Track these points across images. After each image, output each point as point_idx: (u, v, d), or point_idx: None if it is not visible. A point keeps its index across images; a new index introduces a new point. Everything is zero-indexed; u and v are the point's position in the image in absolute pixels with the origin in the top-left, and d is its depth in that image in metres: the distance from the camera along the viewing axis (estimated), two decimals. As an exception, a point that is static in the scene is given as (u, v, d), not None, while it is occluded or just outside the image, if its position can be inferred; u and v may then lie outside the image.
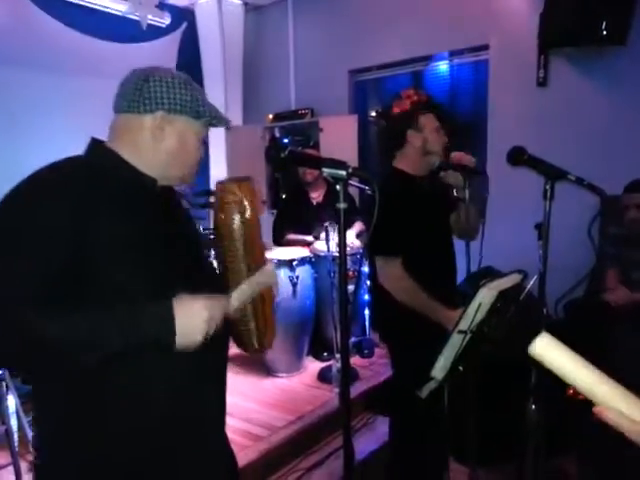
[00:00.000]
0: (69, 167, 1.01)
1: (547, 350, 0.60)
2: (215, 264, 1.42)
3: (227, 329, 1.15)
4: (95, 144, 1.09)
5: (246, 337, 1.36)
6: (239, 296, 1.15)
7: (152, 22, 4.37)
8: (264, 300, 1.34)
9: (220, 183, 1.33)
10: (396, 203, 1.77)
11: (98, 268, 0.94)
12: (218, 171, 4.75)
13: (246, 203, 1.28)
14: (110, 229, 0.96)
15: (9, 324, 0.86)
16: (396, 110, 3.15)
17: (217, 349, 1.14)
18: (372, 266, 1.98)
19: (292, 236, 3.55)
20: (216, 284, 1.20)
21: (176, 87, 1.07)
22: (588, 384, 0.57)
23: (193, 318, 0.97)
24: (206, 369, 1.12)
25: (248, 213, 1.29)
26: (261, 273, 1.24)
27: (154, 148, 1.07)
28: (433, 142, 1.91)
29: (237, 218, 1.28)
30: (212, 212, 1.37)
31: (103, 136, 1.11)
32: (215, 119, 1.13)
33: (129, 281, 0.97)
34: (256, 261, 1.30)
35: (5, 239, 0.90)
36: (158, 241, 1.05)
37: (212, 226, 1.39)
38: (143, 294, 0.98)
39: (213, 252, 1.33)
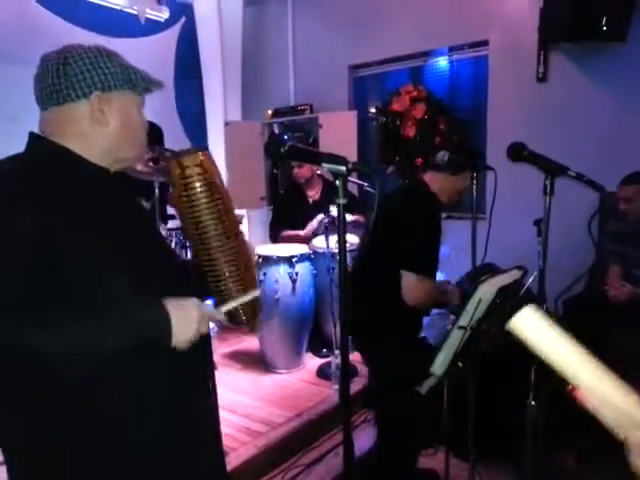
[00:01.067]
0: (16, 169, 0.92)
1: (527, 324, 0.55)
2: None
3: (208, 339, 1.15)
4: (37, 140, 0.99)
5: (235, 313, 1.24)
6: (229, 306, 1.13)
7: (151, 17, 4.35)
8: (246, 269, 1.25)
9: (174, 156, 1.14)
10: (433, 224, 1.92)
11: (70, 271, 0.89)
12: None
13: (208, 167, 1.13)
14: (76, 231, 0.90)
15: None
16: (396, 107, 3.18)
17: (200, 356, 1.13)
18: (363, 266, 2.01)
19: (287, 232, 3.54)
20: (187, 274, 1.18)
21: (100, 61, 0.98)
22: (571, 364, 0.53)
23: (187, 318, 0.96)
24: (190, 373, 1.10)
25: (212, 178, 1.13)
26: (247, 293, 1.17)
27: (99, 134, 0.99)
28: (451, 195, 2.01)
29: (204, 194, 1.11)
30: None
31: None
32: (151, 83, 1.05)
33: (105, 280, 0.93)
34: (234, 230, 1.17)
35: None
36: (126, 235, 1.01)
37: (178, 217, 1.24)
38: (124, 291, 0.95)
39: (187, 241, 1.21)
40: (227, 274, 1.15)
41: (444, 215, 3.63)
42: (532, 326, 0.54)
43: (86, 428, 0.96)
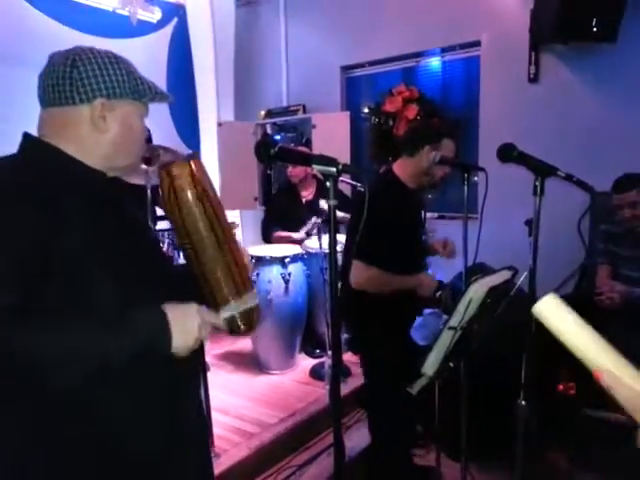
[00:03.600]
0: (8, 169, 0.91)
1: (551, 312, 0.58)
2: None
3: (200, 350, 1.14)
4: (32, 141, 0.97)
5: (233, 323, 1.19)
6: (226, 313, 1.12)
7: (142, 18, 4.33)
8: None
9: (163, 166, 1.09)
10: (386, 214, 1.86)
11: (60, 272, 0.87)
12: (209, 168, 4.72)
13: (198, 176, 1.08)
14: (66, 232, 0.88)
15: None
16: (389, 107, 3.19)
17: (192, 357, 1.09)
18: (345, 263, 2.04)
19: (280, 233, 3.54)
20: (182, 280, 1.14)
21: (109, 67, 0.97)
22: (591, 349, 0.56)
23: (187, 324, 0.94)
24: (181, 374, 1.08)
25: (203, 187, 1.08)
26: (245, 302, 1.15)
27: (98, 140, 0.98)
28: (434, 171, 1.98)
29: (195, 204, 1.07)
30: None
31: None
32: (157, 95, 1.04)
33: (95, 282, 0.92)
34: (232, 254, 1.14)
35: None
36: (121, 238, 1.00)
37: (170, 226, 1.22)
38: (116, 296, 0.94)
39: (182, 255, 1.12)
40: (222, 282, 1.11)
41: (435, 215, 3.65)
42: (555, 313, 0.58)
43: (75, 426, 0.95)
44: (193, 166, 1.06)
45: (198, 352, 1.14)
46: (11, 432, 0.94)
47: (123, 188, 1.12)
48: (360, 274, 1.92)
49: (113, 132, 0.99)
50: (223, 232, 1.11)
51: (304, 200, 3.57)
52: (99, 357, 0.85)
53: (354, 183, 3.43)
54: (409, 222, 2.04)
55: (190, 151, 4.69)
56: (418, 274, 2.02)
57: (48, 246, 0.85)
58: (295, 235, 3.48)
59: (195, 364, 1.19)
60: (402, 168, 2.03)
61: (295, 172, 3.48)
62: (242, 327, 1.16)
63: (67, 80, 0.94)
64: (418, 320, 2.25)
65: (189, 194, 1.05)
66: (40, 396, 0.92)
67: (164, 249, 3.01)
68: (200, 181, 1.07)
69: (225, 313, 1.11)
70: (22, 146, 0.98)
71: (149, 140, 3.54)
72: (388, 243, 1.89)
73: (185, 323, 0.93)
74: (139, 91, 1.00)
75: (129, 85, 0.99)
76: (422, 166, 1.97)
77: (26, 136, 0.98)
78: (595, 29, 2.86)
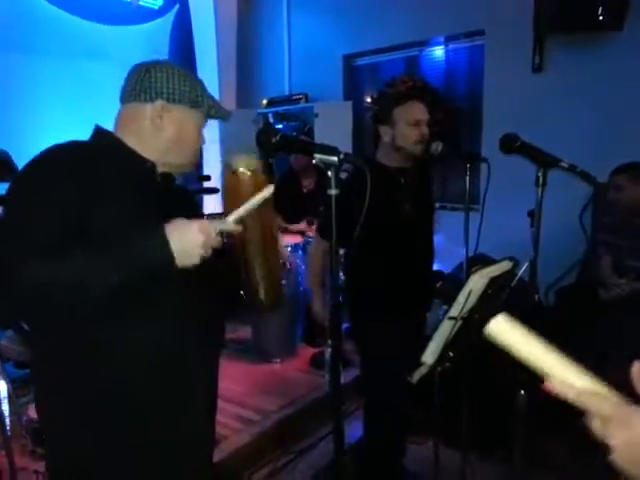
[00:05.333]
0: (75, 149, 1.09)
1: (502, 331, 0.62)
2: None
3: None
4: (99, 132, 1.15)
5: (253, 288, 1.30)
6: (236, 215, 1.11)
7: (143, 4, 4.30)
8: (266, 251, 1.33)
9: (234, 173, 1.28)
10: (348, 195, 1.74)
11: (94, 236, 0.99)
12: (211, 155, 4.71)
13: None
14: (110, 207, 1.02)
15: (10, 275, 0.92)
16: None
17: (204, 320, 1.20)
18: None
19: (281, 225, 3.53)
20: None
21: (175, 78, 1.12)
22: (542, 362, 0.60)
23: (188, 239, 0.98)
24: (191, 338, 1.16)
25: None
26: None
27: (154, 135, 1.13)
28: (404, 137, 1.86)
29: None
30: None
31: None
32: (213, 109, 1.18)
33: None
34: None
35: (21, 208, 0.99)
36: (152, 217, 1.06)
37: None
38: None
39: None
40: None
41: (437, 205, 3.62)
42: (505, 332, 0.62)
43: (88, 387, 1.06)
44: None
45: (214, 319, 1.27)
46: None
47: (171, 183, 1.22)
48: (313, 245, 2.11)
49: (168, 131, 1.13)
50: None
51: (305, 190, 3.56)
52: (102, 277, 0.94)
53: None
54: (382, 205, 1.75)
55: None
56: (319, 303, 2.10)
57: (82, 214, 0.99)
58: (292, 228, 3.47)
59: (209, 331, 1.26)
60: (380, 155, 1.96)
61: (299, 160, 3.47)
62: (263, 299, 1.28)
63: (139, 82, 1.11)
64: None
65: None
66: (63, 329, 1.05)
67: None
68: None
69: (235, 214, 1.10)
70: (92, 135, 1.15)
71: None
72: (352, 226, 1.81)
73: (186, 233, 0.98)
74: (197, 102, 1.15)
75: (189, 95, 1.14)
76: (388, 146, 1.90)
77: (95, 127, 1.15)
78: (601, 18, 2.83)
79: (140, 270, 0.97)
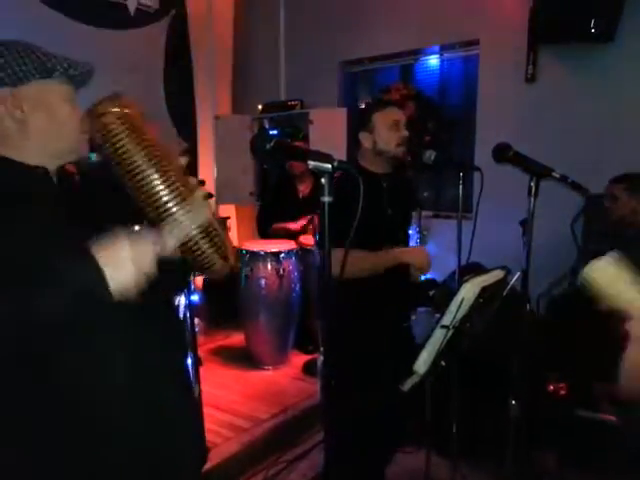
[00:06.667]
0: None
1: (602, 271, 0.67)
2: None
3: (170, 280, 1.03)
4: None
5: (206, 258, 1.03)
6: (174, 231, 0.96)
7: (140, 7, 4.29)
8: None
9: (92, 108, 0.98)
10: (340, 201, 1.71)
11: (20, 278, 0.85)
12: (205, 160, 4.70)
13: (127, 111, 0.99)
14: (22, 241, 0.87)
15: None
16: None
17: (165, 346, 1.07)
18: None
19: (278, 225, 3.52)
20: None
21: (6, 54, 0.90)
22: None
23: (119, 256, 0.85)
24: (156, 371, 1.05)
25: (139, 128, 0.99)
26: (192, 204, 0.98)
27: (24, 132, 0.92)
28: (385, 141, 1.86)
29: (126, 136, 0.96)
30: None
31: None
32: (71, 68, 0.96)
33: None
34: (181, 186, 0.99)
35: None
36: (58, 233, 0.94)
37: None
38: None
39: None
40: (159, 186, 0.96)
41: (430, 213, 3.64)
42: (606, 272, 0.68)
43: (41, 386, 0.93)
44: (118, 103, 0.98)
45: (179, 337, 1.14)
46: None
47: (73, 178, 1.04)
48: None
49: (35, 119, 0.93)
50: (152, 146, 1.00)
51: (301, 195, 3.56)
52: (38, 315, 0.83)
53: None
54: (364, 208, 1.81)
55: (186, 144, 4.68)
56: (393, 250, 1.82)
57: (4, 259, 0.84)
58: (292, 225, 3.45)
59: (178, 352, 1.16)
60: (363, 161, 1.94)
61: (296, 164, 3.46)
62: (208, 251, 1.00)
63: None
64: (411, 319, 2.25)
65: (118, 127, 0.96)
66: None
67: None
68: (127, 112, 0.99)
69: (173, 228, 0.95)
70: None
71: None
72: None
73: (116, 256, 0.85)
74: (47, 69, 0.93)
75: (34, 65, 0.91)
76: (369, 152, 1.89)
77: None
78: (594, 29, 2.86)
79: (74, 296, 0.84)
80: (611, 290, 0.65)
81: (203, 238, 1.00)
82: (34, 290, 0.83)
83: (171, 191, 0.97)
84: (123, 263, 0.85)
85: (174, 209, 0.96)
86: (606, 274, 0.67)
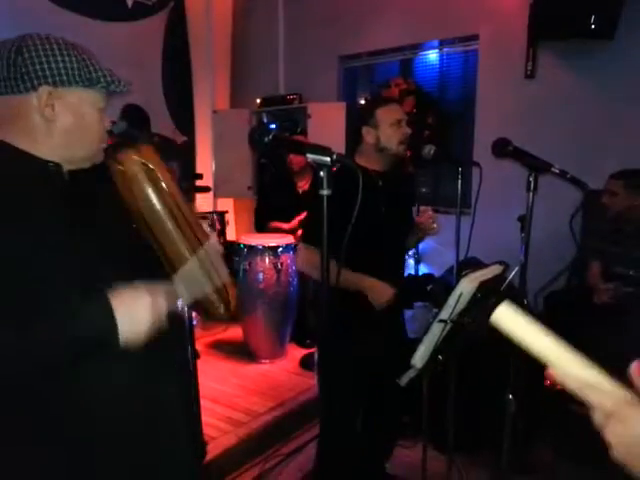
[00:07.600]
0: None
1: (507, 319, 0.61)
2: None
3: (177, 326, 1.08)
4: None
5: (211, 309, 1.12)
6: (186, 281, 1.01)
7: (138, 0, 4.26)
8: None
9: (112, 152, 1.03)
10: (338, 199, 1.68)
11: (16, 278, 0.85)
12: (204, 155, 4.69)
13: (153, 167, 1.02)
14: (11, 230, 0.86)
15: None
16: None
17: (167, 348, 1.06)
18: None
19: (275, 224, 3.52)
20: (157, 269, 1.06)
21: (57, 54, 0.91)
22: (547, 351, 0.60)
23: (135, 309, 0.88)
24: (157, 370, 1.04)
25: (162, 182, 1.03)
26: (206, 250, 1.05)
27: (48, 130, 0.93)
28: (388, 138, 1.85)
29: (151, 191, 1.01)
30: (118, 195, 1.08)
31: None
32: (113, 84, 0.97)
33: (51, 283, 0.88)
34: (196, 238, 1.06)
35: None
36: (72, 233, 0.94)
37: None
38: (71, 294, 0.90)
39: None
40: (174, 238, 1.03)
41: (429, 208, 3.63)
42: (511, 319, 0.61)
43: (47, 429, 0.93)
44: (143, 153, 1.02)
45: (171, 353, 1.11)
46: None
47: (86, 180, 1.03)
48: (302, 256, 1.91)
49: (63, 121, 0.94)
50: (190, 229, 1.06)
51: (300, 191, 3.56)
52: (46, 357, 0.85)
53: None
54: (369, 206, 1.67)
55: (184, 138, 4.66)
56: (372, 279, 1.80)
57: None
58: (286, 226, 3.46)
59: (169, 365, 1.12)
60: (361, 158, 1.91)
61: (297, 159, 3.45)
62: (215, 303, 1.06)
63: (11, 68, 0.89)
64: (408, 313, 2.25)
65: (147, 189, 1.02)
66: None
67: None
68: (152, 168, 1.03)
69: (192, 286, 1.00)
70: None
71: (146, 123, 3.50)
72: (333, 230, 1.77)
73: (132, 311, 0.88)
74: (91, 79, 0.94)
75: (79, 72, 0.93)
76: (371, 148, 1.87)
77: None
78: (593, 26, 2.85)
79: (82, 345, 0.85)
80: (524, 340, 0.61)
81: (215, 293, 1.06)
82: (43, 323, 0.83)
83: (193, 251, 1.02)
84: (139, 318, 0.88)
85: (195, 269, 1.01)
86: (513, 322, 0.61)
